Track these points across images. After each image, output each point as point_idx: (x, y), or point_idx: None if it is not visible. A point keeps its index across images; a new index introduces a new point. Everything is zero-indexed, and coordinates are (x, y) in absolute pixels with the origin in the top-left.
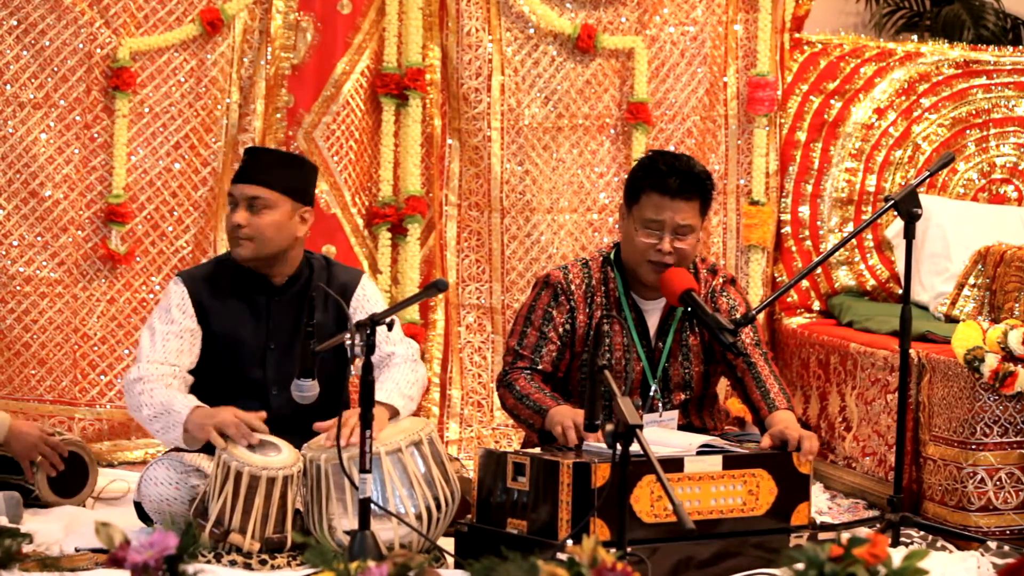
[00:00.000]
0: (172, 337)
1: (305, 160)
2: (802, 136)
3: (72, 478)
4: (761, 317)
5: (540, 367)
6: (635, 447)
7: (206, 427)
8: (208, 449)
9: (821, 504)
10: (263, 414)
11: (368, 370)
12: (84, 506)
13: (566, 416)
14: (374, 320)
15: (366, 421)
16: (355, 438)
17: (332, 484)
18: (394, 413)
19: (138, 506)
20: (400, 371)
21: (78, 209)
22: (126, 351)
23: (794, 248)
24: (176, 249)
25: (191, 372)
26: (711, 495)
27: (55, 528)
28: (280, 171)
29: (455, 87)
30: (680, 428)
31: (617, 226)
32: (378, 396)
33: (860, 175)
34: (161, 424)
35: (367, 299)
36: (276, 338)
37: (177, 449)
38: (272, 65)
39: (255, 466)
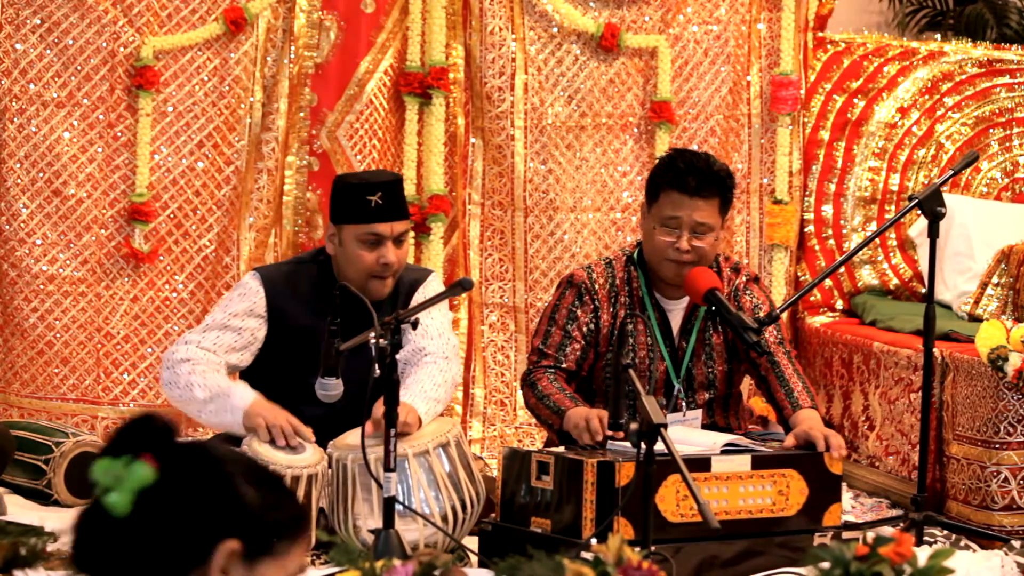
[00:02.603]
0: (229, 332)
1: (395, 173)
2: (825, 135)
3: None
4: (784, 316)
5: (564, 366)
6: (660, 447)
7: (259, 417)
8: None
9: (844, 503)
10: (310, 430)
11: (392, 368)
12: None
13: (582, 416)
14: (398, 319)
15: (390, 419)
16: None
17: (359, 483)
18: (420, 420)
19: None
20: (427, 371)
21: (101, 208)
22: (149, 350)
23: (817, 247)
24: (199, 248)
25: (255, 378)
26: (739, 495)
27: None
28: (404, 198)
29: (478, 86)
30: (704, 427)
31: (640, 225)
32: (402, 399)
33: (883, 174)
34: (216, 407)
35: (425, 296)
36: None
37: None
38: (295, 64)
39: (280, 464)
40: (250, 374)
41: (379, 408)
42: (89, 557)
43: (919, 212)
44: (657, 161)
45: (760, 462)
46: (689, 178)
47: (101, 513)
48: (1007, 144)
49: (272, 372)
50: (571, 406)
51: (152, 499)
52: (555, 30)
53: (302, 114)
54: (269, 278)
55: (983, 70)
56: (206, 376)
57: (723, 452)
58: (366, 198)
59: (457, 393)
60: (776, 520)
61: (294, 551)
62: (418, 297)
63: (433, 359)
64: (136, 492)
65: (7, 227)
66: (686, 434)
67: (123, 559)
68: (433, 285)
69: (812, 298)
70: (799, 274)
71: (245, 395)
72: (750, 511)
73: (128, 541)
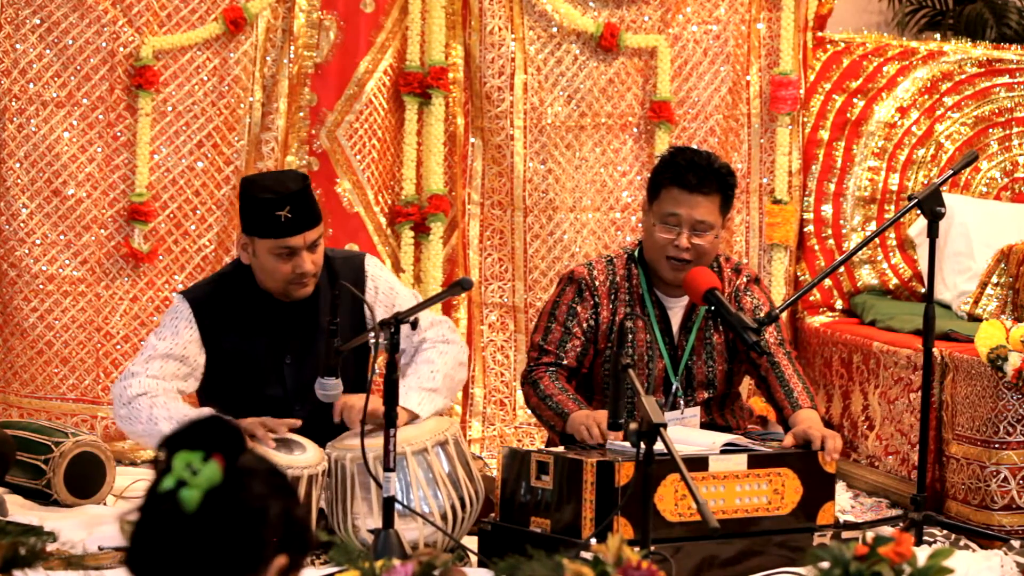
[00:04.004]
0: (172, 361)
1: (303, 175)
2: (825, 135)
3: (89, 478)
4: (784, 316)
5: (565, 362)
6: (659, 446)
7: None
8: None
9: (844, 503)
10: (294, 422)
11: (392, 369)
12: (105, 504)
13: (587, 418)
14: (398, 319)
15: (390, 419)
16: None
17: (357, 483)
18: (412, 415)
19: None
20: (424, 356)
21: (101, 208)
22: None
23: (817, 247)
24: (199, 248)
25: (209, 396)
26: (736, 494)
27: (77, 527)
28: (313, 202)
29: (478, 86)
30: (702, 426)
31: (640, 224)
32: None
33: (883, 174)
34: None
35: (381, 292)
36: (292, 350)
37: None
38: (295, 64)
39: (279, 465)
40: (203, 397)
41: (351, 397)
42: (150, 548)
43: (919, 212)
44: (658, 159)
45: (756, 461)
46: (690, 175)
47: (170, 505)
48: (1006, 144)
49: (224, 391)
50: (574, 409)
51: (216, 501)
52: (555, 30)
53: (301, 114)
54: (195, 298)
55: (983, 70)
56: (169, 407)
57: (722, 452)
58: (275, 213)
59: (457, 393)
60: (771, 519)
61: (301, 571)
62: (370, 294)
63: (432, 344)
64: (205, 491)
65: (7, 227)
66: (685, 434)
67: (182, 555)
68: (374, 276)
69: (812, 298)
70: (799, 274)
71: None
72: (746, 510)
73: (189, 539)
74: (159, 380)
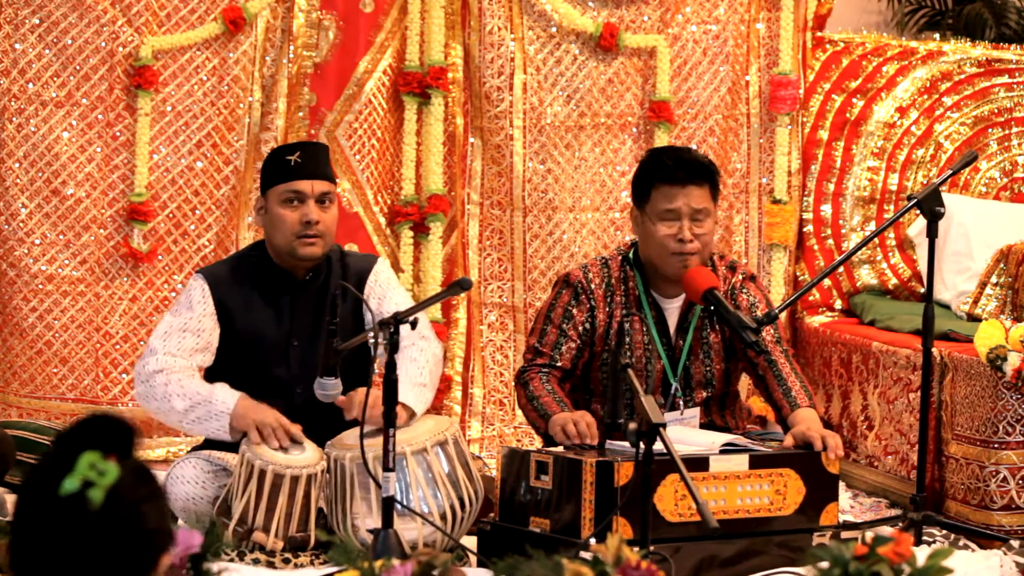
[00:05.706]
0: (188, 335)
1: (325, 144)
2: (824, 135)
3: None
4: (783, 316)
5: (559, 364)
6: (659, 446)
7: (248, 419)
8: (238, 447)
9: (843, 503)
10: (299, 427)
11: (391, 368)
12: None
13: (566, 420)
14: (398, 319)
15: (389, 420)
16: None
17: (356, 483)
18: (410, 411)
19: None
20: (408, 355)
21: (100, 208)
22: None
23: (816, 247)
24: (198, 248)
25: (215, 373)
26: (737, 494)
27: None
28: (329, 164)
29: (477, 86)
30: (702, 426)
31: (634, 229)
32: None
33: (882, 174)
34: (198, 415)
35: (379, 284)
36: (299, 334)
37: (207, 445)
38: (294, 64)
39: (279, 464)
40: (210, 374)
41: (356, 393)
42: (52, 550)
43: (918, 212)
44: (638, 164)
45: (758, 461)
46: (678, 170)
47: (78, 506)
48: (1006, 144)
49: (230, 369)
50: (557, 411)
51: (115, 501)
52: (554, 30)
53: (301, 114)
54: (211, 274)
55: (982, 70)
56: (183, 384)
57: (721, 452)
58: (285, 158)
59: (456, 392)
60: (774, 519)
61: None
62: (369, 287)
63: (411, 341)
64: (108, 491)
65: (6, 227)
66: (685, 434)
67: (84, 557)
68: (381, 271)
69: (811, 298)
70: (798, 274)
71: (227, 398)
72: (748, 511)
73: (95, 539)
74: (177, 357)
